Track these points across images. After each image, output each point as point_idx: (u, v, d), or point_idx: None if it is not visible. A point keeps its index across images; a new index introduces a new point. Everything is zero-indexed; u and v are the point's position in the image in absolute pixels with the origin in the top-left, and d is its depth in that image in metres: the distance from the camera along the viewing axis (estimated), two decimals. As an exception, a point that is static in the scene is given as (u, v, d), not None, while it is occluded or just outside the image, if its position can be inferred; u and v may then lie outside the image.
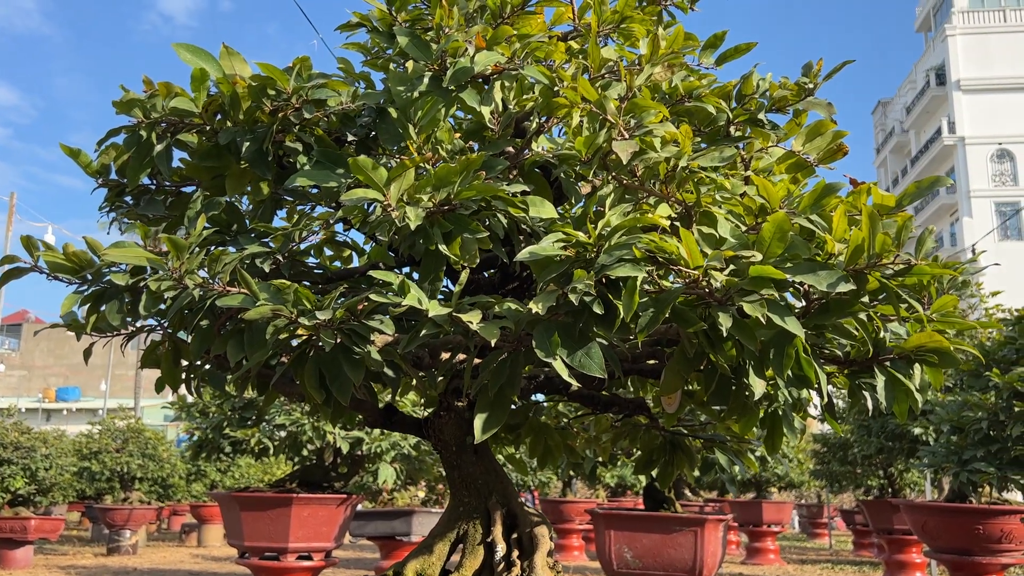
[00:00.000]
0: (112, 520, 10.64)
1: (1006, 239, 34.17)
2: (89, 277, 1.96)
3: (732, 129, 2.00)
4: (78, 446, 11.47)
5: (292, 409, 5.73)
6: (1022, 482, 5.12)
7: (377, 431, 5.94)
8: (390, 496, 8.78)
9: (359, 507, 9.48)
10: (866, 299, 1.70)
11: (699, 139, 1.98)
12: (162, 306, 1.90)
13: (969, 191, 36.00)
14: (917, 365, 1.94)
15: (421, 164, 1.77)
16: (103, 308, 1.96)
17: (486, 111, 1.87)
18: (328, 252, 2.65)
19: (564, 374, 1.59)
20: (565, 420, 2.96)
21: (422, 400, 4.48)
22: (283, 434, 5.84)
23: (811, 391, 2.26)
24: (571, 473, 10.13)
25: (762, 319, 1.54)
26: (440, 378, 2.58)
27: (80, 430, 12.04)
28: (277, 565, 5.48)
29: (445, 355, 2.17)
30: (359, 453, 6.05)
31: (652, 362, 2.33)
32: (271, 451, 5.89)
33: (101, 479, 11.21)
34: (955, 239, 35.68)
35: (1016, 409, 4.91)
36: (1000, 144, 36.48)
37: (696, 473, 10.82)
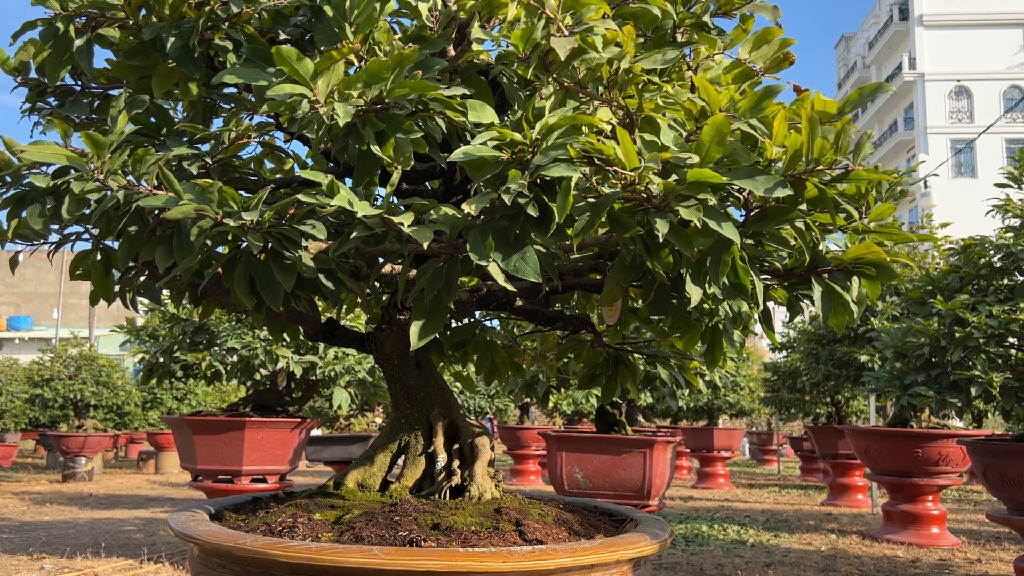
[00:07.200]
0: (67, 447, 10.58)
1: (960, 176, 34.70)
2: (8, 179, 1.87)
3: (679, 35, 1.95)
4: (29, 373, 11.31)
5: (244, 333, 5.67)
6: (959, 405, 5.28)
7: (331, 355, 5.91)
8: (347, 422, 8.81)
9: (316, 432, 9.51)
10: (804, 207, 1.69)
11: (641, 40, 1.93)
12: (87, 211, 1.82)
13: (927, 128, 36.35)
14: (855, 278, 1.95)
15: (351, 60, 1.70)
16: (24, 214, 1.88)
17: (424, 7, 1.79)
18: (270, 165, 2.57)
19: (500, 279, 1.57)
20: (512, 338, 2.96)
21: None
22: (235, 358, 5.78)
23: (751, 305, 2.27)
24: (526, 399, 10.24)
25: (698, 224, 1.52)
26: (385, 295, 2.55)
27: (33, 359, 11.87)
28: (231, 487, 5.51)
29: (386, 268, 2.14)
30: (313, 378, 6.03)
31: (596, 276, 2.32)
32: (223, 376, 5.84)
33: (54, 406, 11.10)
34: (911, 175, 36.47)
35: (957, 335, 5.03)
36: (958, 81, 36.75)
37: (649, 400, 10.88)
